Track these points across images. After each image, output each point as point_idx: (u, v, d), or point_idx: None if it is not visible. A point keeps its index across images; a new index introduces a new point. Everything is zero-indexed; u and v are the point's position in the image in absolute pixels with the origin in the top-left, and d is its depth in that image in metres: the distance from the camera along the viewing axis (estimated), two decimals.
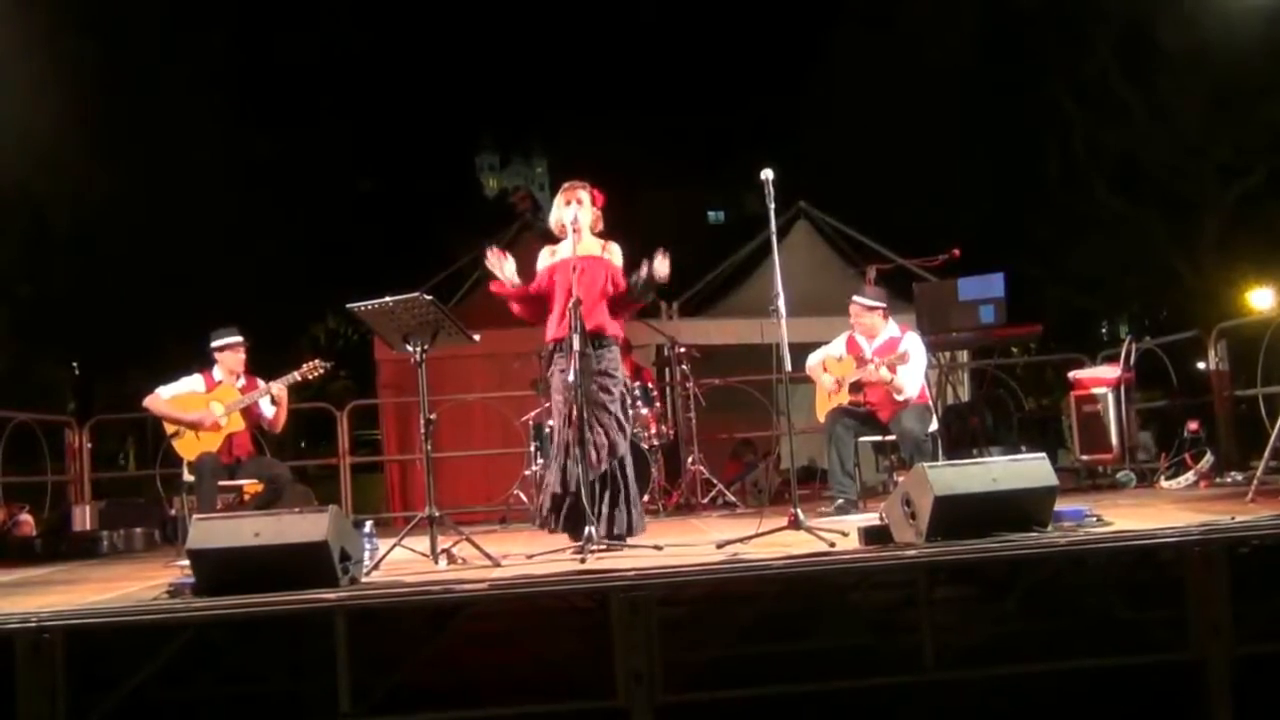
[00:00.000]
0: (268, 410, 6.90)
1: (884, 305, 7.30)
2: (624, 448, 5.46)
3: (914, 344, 7.03)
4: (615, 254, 5.60)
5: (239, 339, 6.90)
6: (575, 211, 5.51)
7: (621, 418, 5.49)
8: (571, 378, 5.21)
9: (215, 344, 6.88)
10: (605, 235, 5.67)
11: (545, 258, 5.63)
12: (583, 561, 4.88)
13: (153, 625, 4.04)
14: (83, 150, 15.64)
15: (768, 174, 5.48)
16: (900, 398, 6.91)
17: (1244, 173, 17.22)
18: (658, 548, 5.12)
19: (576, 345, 5.19)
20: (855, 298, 7.33)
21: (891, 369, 6.86)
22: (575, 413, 5.23)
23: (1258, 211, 17.27)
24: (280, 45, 18.83)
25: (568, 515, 5.38)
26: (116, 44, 15.71)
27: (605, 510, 5.35)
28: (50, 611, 4.01)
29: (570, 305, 5.24)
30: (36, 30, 14.90)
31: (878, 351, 7.07)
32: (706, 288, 12.73)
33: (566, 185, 5.68)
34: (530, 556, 5.26)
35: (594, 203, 5.61)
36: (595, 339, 5.43)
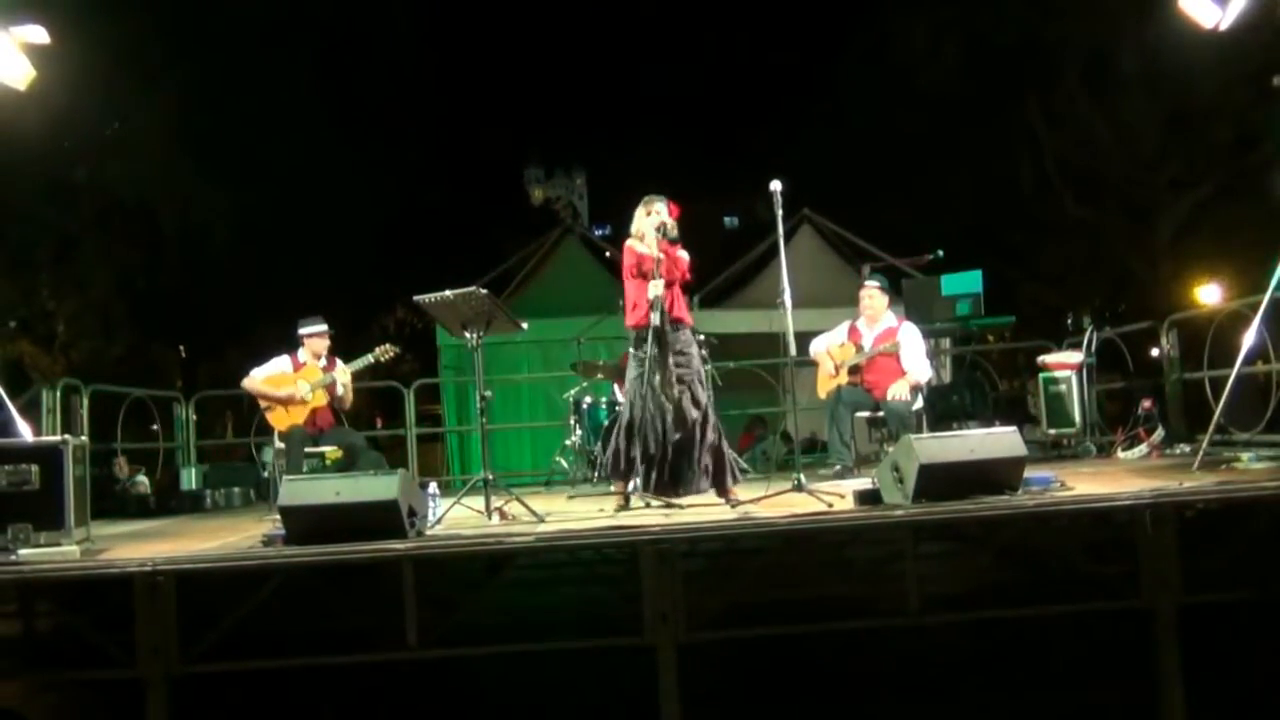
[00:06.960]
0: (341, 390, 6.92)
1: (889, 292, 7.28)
2: (698, 414, 5.39)
3: (910, 332, 7.01)
4: (684, 255, 5.60)
5: (325, 328, 6.87)
6: (657, 219, 5.50)
7: (697, 389, 5.44)
8: (652, 353, 5.25)
9: (303, 330, 6.87)
10: (676, 241, 5.58)
11: (635, 251, 5.58)
12: (618, 512, 4.91)
13: (249, 570, 4.10)
14: (190, 166, 15.79)
15: (776, 185, 5.49)
16: (913, 380, 6.84)
17: (1194, 185, 17.02)
18: (680, 506, 5.14)
19: (655, 321, 5.25)
20: (868, 282, 7.27)
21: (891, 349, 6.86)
22: (655, 385, 5.28)
23: (1206, 219, 17.05)
24: (359, 71, 18.86)
25: (656, 473, 5.33)
26: (219, 75, 15.80)
27: (703, 466, 5.34)
28: (163, 557, 4.08)
29: (652, 298, 5.28)
30: (152, 64, 15.04)
31: (877, 339, 7.05)
32: (723, 283, 12.71)
33: (646, 199, 5.65)
34: (570, 498, 5.31)
35: (670, 213, 5.57)
36: (674, 324, 5.46)
